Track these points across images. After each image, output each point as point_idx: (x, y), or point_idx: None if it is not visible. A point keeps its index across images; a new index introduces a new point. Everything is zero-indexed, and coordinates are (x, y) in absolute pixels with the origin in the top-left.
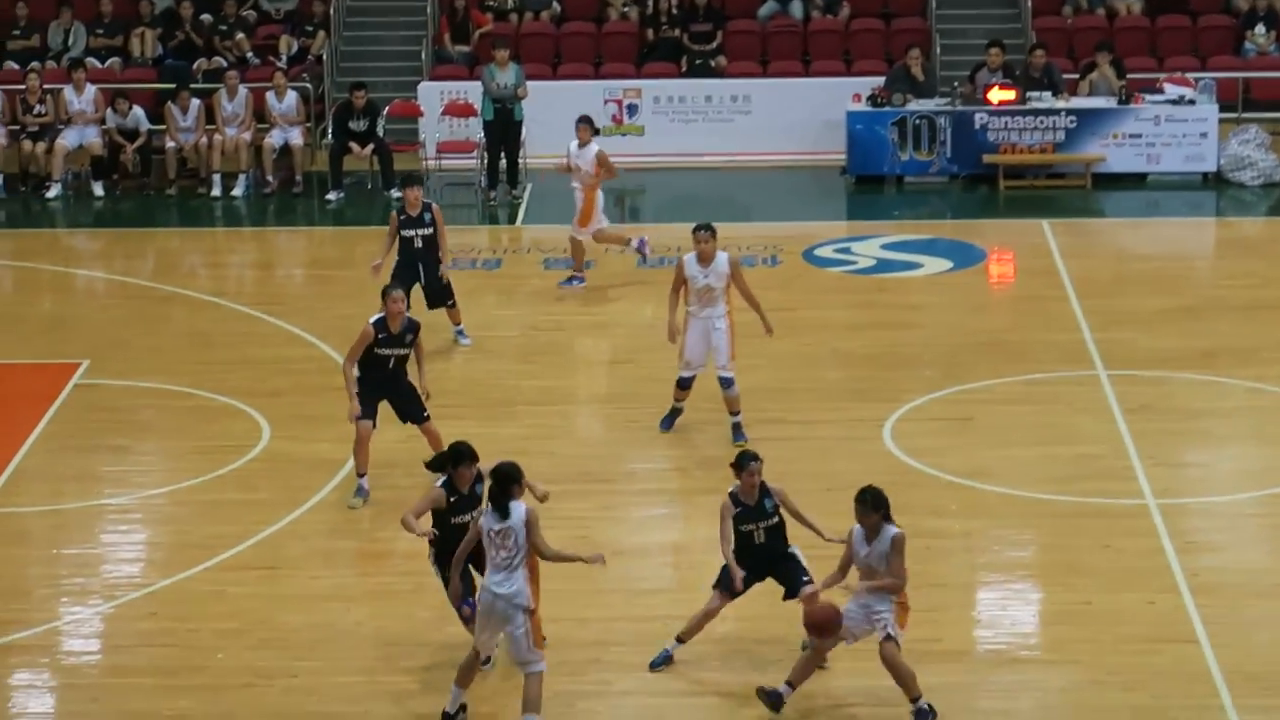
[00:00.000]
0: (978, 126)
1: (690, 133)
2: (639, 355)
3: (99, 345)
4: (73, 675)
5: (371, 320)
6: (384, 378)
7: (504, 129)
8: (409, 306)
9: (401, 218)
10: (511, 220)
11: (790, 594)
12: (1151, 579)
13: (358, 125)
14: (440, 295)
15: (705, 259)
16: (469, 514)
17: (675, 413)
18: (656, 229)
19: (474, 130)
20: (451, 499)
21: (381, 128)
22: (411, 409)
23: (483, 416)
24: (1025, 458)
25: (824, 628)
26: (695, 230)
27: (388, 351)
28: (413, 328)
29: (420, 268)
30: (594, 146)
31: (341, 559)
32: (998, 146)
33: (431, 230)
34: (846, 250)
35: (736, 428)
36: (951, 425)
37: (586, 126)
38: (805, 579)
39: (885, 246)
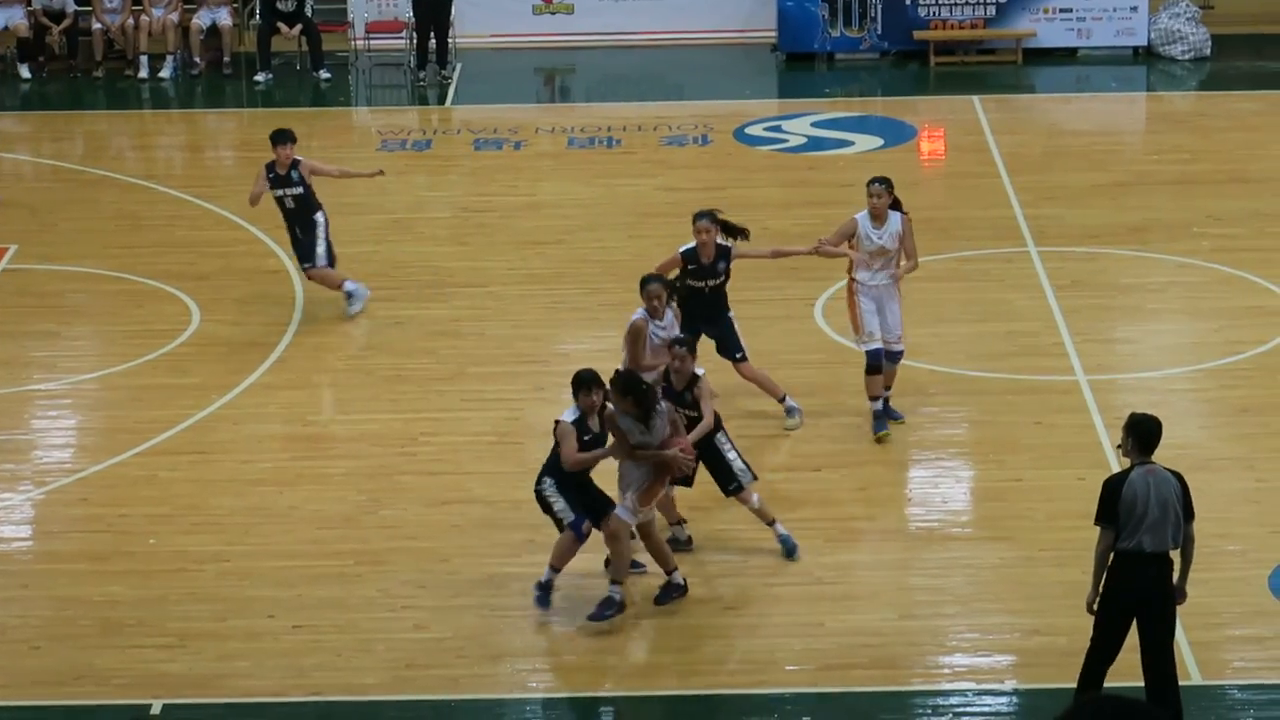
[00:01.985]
0: (908, 2)
1: (620, 11)
2: (570, 235)
3: (27, 230)
4: (3, 561)
5: None
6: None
7: (433, 8)
8: None
9: (270, 175)
10: (441, 101)
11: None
12: (1083, 455)
13: (285, 5)
14: (308, 252)
15: (878, 217)
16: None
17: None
18: (588, 109)
19: (403, 9)
20: (585, 439)
21: (310, 7)
22: None
23: (413, 298)
24: (956, 335)
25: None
26: (869, 184)
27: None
28: None
29: (296, 229)
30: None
31: (274, 443)
32: (928, 22)
33: (302, 189)
34: (777, 128)
35: (882, 411)
36: None
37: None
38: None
39: (816, 124)
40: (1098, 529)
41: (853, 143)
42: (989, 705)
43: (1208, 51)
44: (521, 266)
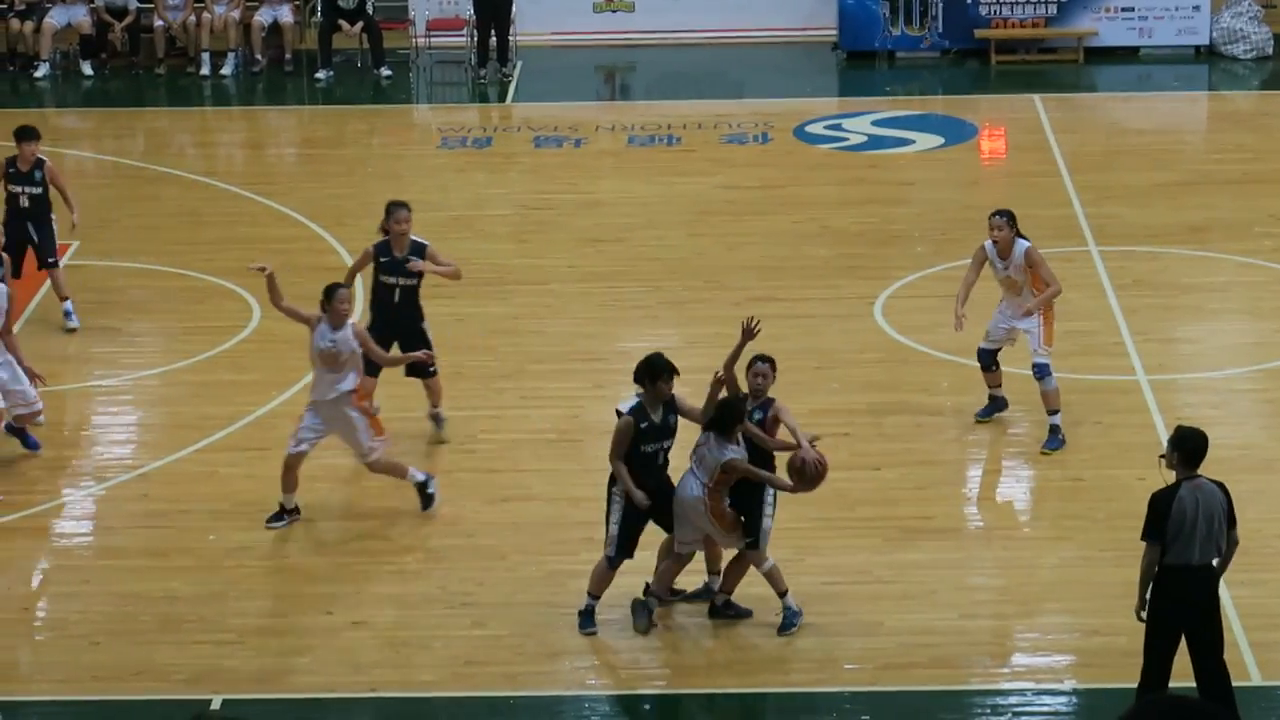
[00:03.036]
0: (969, 1)
1: (680, 8)
2: (630, 233)
3: (88, 226)
4: (65, 557)
5: None
6: None
7: (494, 5)
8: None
9: (10, 170)
10: (502, 99)
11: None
12: (1143, 455)
13: (347, 3)
14: (50, 249)
15: (1003, 250)
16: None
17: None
18: (648, 107)
19: (464, 7)
20: (642, 425)
21: (371, 5)
22: None
23: (473, 295)
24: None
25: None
26: (990, 216)
27: None
28: None
29: (30, 228)
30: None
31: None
32: (990, 21)
33: (40, 190)
34: (838, 127)
35: (1052, 430)
36: (943, 302)
37: None
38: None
39: (876, 123)
40: (1144, 543)
41: (913, 141)
42: (1048, 705)
43: (1270, 51)
44: (581, 264)
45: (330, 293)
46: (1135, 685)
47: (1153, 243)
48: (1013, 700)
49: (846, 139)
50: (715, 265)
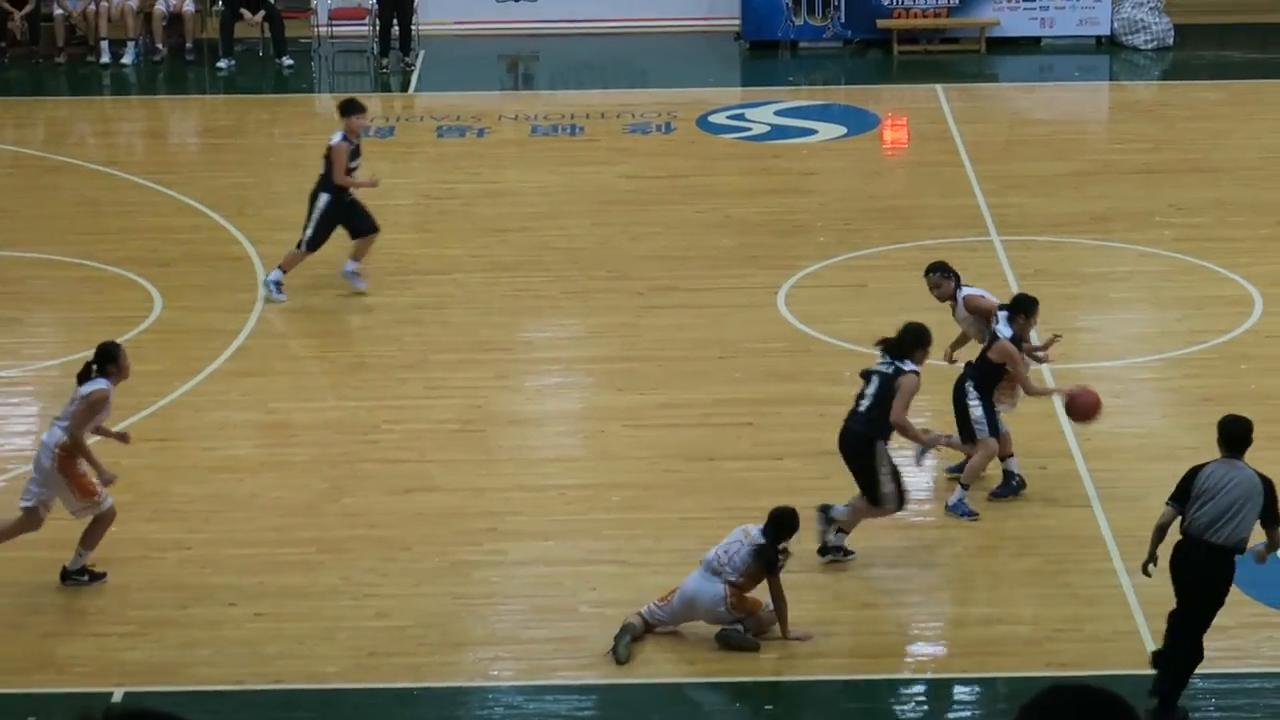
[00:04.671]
0: None
1: None
2: (533, 223)
3: None
4: None
5: None
6: None
7: None
8: None
9: None
10: (404, 88)
11: None
12: (1045, 444)
13: None
14: None
15: (945, 301)
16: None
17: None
18: (551, 96)
19: None
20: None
21: None
22: None
23: (377, 285)
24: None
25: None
26: (925, 275)
27: None
28: None
29: None
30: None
31: (236, 430)
32: (892, 11)
33: None
34: (741, 117)
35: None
36: (846, 292)
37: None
38: None
39: (779, 113)
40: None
41: (816, 131)
42: (950, 694)
43: (1170, 41)
44: (484, 254)
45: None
46: (1035, 674)
47: (1054, 232)
48: (915, 689)
49: (749, 129)
50: (618, 255)
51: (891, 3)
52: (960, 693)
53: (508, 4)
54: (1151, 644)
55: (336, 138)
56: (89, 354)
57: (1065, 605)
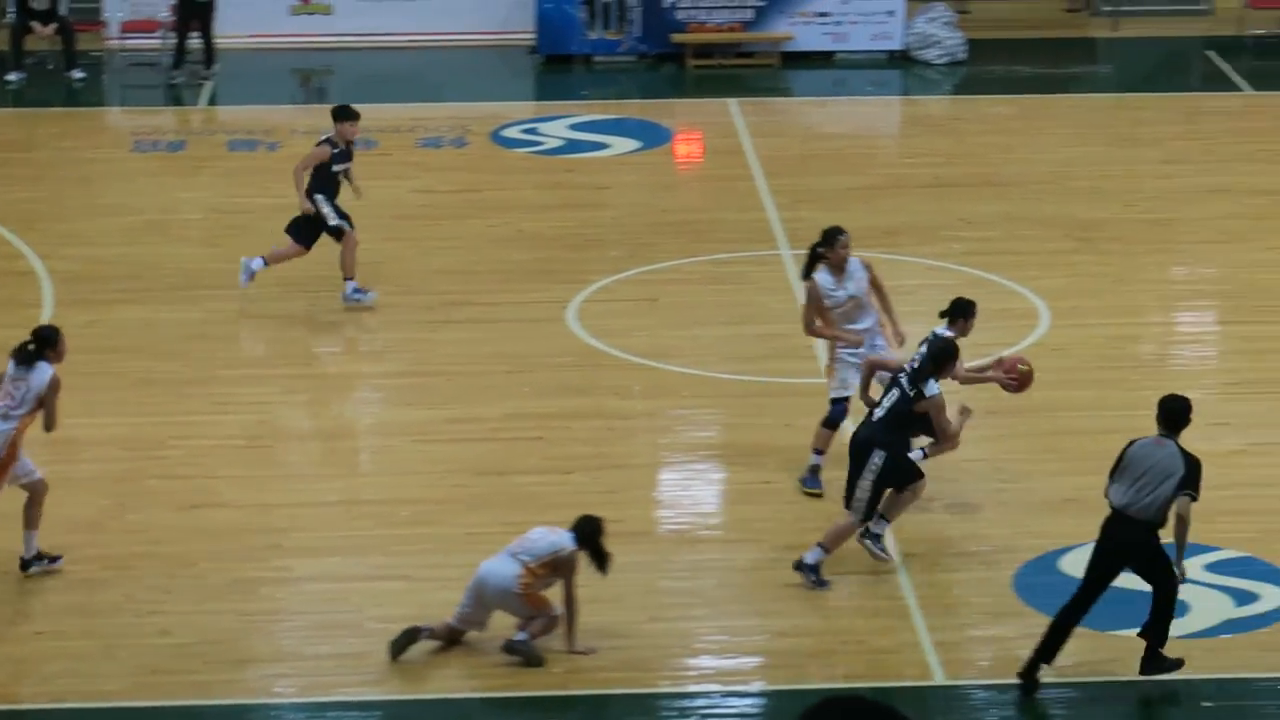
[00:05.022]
0: (666, 5)
1: (379, 12)
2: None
3: None
4: None
5: None
6: None
7: (195, 7)
8: None
9: None
10: (196, 102)
11: None
12: (832, 456)
13: (39, 3)
14: None
15: (839, 268)
16: None
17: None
18: None
19: (159, 8)
20: None
21: (65, 6)
22: None
23: (164, 300)
24: (710, 338)
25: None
26: (839, 236)
27: None
28: None
29: None
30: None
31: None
32: (686, 25)
33: None
34: (534, 130)
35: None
36: (637, 306)
37: None
38: None
39: (573, 126)
40: None
41: (609, 145)
42: (734, 706)
43: (963, 56)
44: (274, 269)
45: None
46: (818, 686)
47: None
48: (699, 702)
49: (543, 143)
50: (409, 270)
51: (686, 17)
52: (743, 705)
53: (302, 17)
54: (935, 657)
55: (320, 139)
56: None
57: (849, 618)
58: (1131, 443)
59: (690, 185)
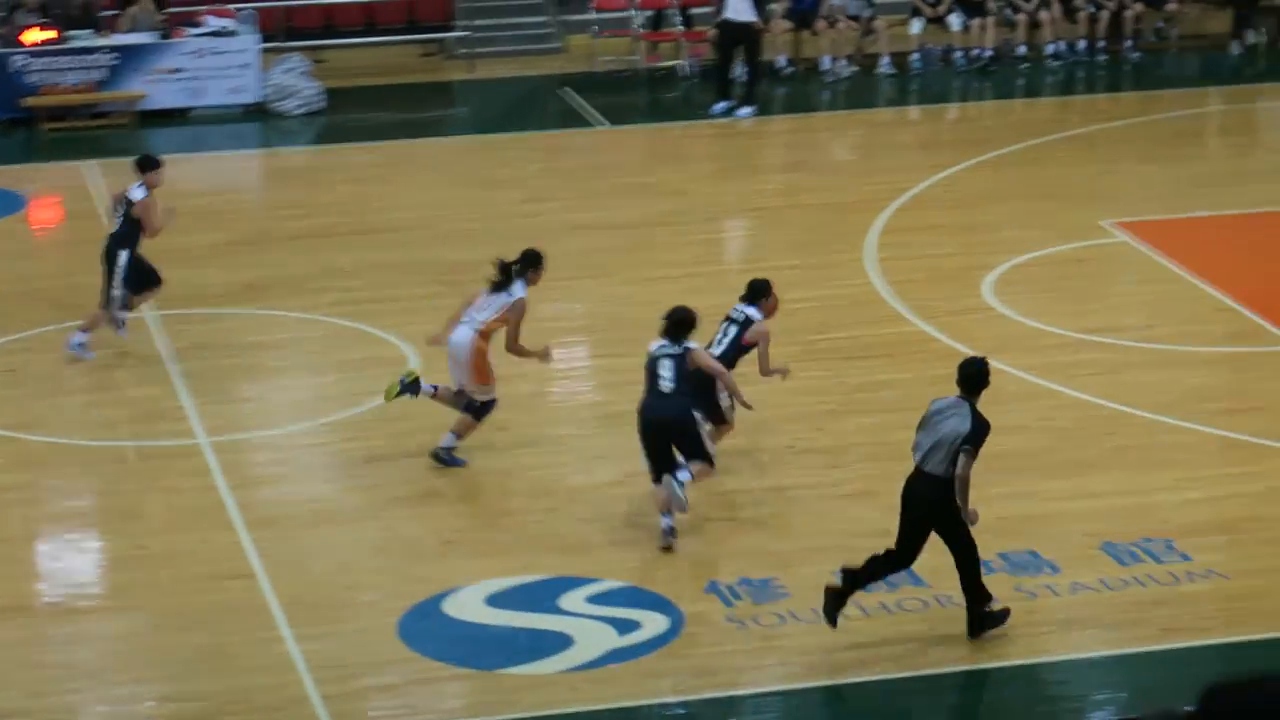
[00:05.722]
0: (15, 69)
1: None
2: None
3: None
4: None
5: None
6: None
7: None
8: None
9: None
10: None
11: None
12: (206, 517)
13: None
14: None
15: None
16: None
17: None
18: None
19: None
20: None
21: None
22: None
23: None
24: (76, 405)
25: None
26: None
27: None
28: None
29: None
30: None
31: None
32: (38, 88)
33: None
34: None
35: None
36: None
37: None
38: None
39: None
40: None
41: None
42: None
43: (321, 105)
44: None
45: None
46: None
47: (210, 304)
48: None
49: None
50: None
51: (39, 80)
52: None
53: None
54: (325, 711)
55: (139, 193)
56: None
57: (234, 677)
58: (934, 401)
59: (49, 251)
